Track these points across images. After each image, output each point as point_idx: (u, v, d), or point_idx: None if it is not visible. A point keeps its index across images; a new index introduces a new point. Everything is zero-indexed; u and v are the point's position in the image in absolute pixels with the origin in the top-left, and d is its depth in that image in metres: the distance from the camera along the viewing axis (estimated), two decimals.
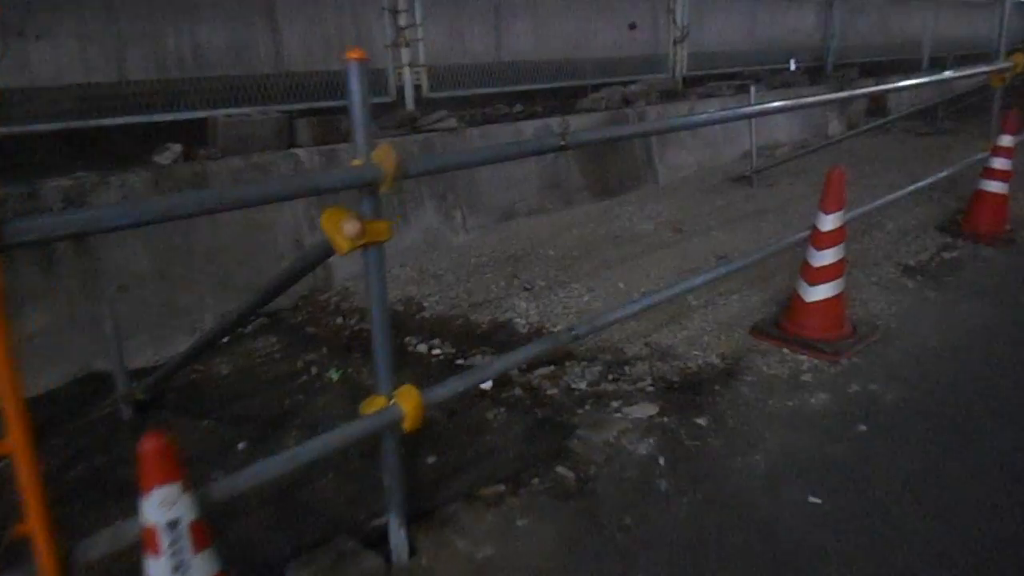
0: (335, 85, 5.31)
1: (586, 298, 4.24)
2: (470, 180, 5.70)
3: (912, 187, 4.58)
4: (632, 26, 7.34)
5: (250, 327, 4.09)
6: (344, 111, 2.04)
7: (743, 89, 8.33)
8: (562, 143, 2.31)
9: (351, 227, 1.87)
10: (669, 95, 7.61)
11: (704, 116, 3.45)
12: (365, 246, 1.93)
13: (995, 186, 4.92)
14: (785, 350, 3.49)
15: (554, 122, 6.33)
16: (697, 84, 8.35)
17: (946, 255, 4.72)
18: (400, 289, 4.61)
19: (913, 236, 5.06)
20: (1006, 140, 4.88)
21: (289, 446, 2.40)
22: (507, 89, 6.51)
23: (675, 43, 7.83)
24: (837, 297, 3.49)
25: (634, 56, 7.66)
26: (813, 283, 3.47)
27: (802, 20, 10.12)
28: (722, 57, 8.88)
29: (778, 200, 6.17)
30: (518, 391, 3.21)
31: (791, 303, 3.62)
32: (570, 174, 6.41)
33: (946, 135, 8.96)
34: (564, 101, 7.11)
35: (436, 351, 3.79)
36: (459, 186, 5.64)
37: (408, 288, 4.62)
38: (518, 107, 6.24)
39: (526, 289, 4.47)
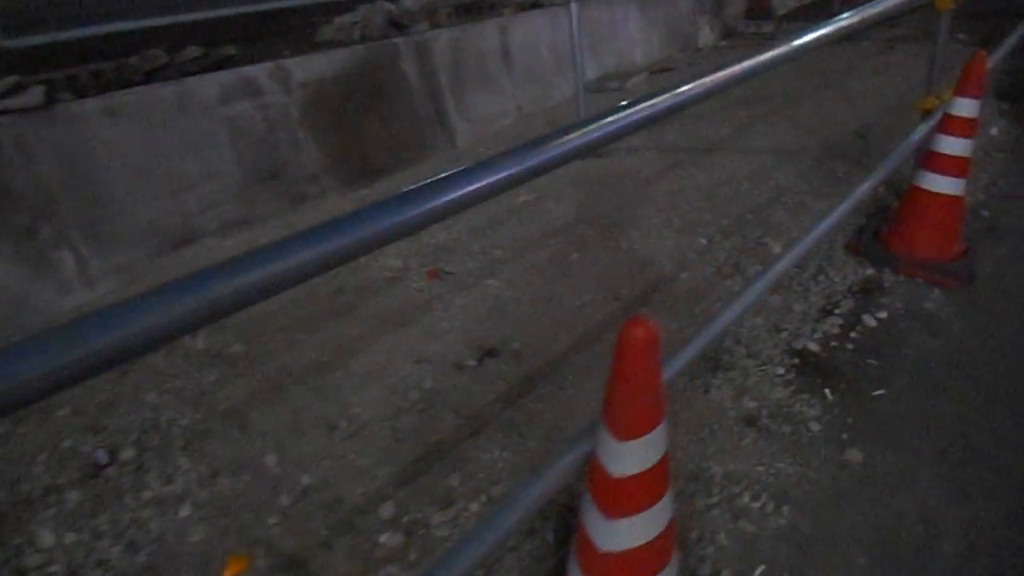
0: None
1: (184, 512, 2.06)
2: (91, 187, 3.32)
3: (821, 227, 2.49)
4: None
5: None
6: None
7: None
8: None
9: None
10: (469, 10, 5.21)
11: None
12: None
13: (942, 184, 2.94)
14: None
15: (261, 71, 3.91)
16: None
17: (869, 318, 2.74)
18: None
19: (812, 270, 3.05)
20: (964, 107, 2.86)
21: None
22: (175, 19, 3.97)
23: None
24: None
25: None
26: None
27: None
28: None
29: (616, 188, 4.03)
30: None
31: None
32: (300, 151, 4.05)
33: (843, 41, 6.96)
34: (292, 32, 4.63)
35: None
36: (64, 203, 3.24)
37: None
38: (191, 51, 3.76)
39: (93, 472, 2.24)
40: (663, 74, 6.32)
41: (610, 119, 1.29)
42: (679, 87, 1.42)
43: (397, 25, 4.68)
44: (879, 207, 3.49)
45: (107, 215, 3.38)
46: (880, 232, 3.18)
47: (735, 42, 7.38)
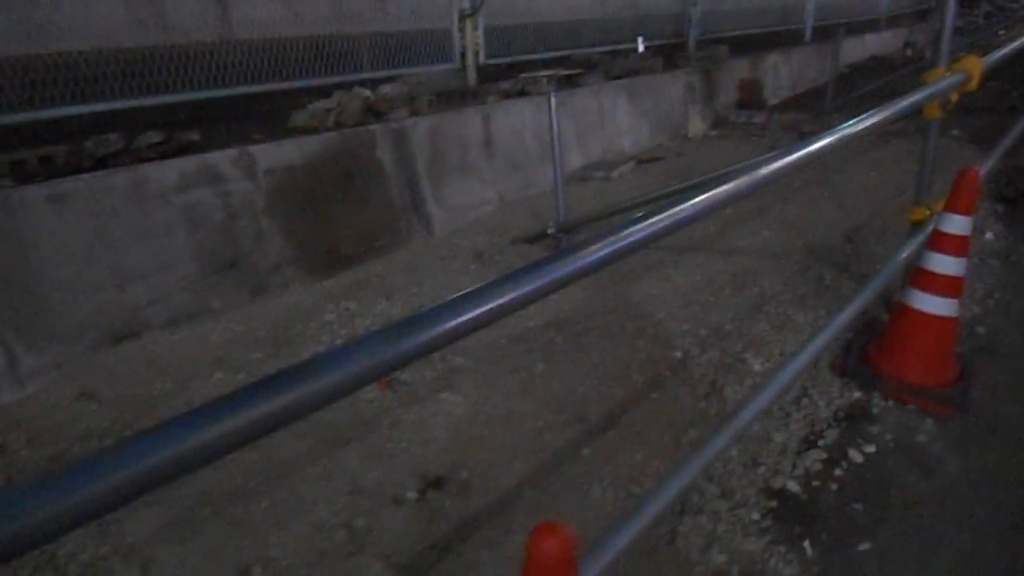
0: None
1: None
2: (28, 278, 3.13)
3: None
4: None
5: None
6: None
7: (573, 81, 5.96)
8: None
9: None
10: (451, 97, 5.12)
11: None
12: None
13: (934, 304, 2.73)
14: None
15: (224, 158, 3.76)
16: (506, 75, 5.90)
17: (855, 452, 2.49)
18: None
19: (795, 393, 2.81)
20: (956, 223, 2.67)
21: None
22: (138, 103, 3.85)
23: (463, 16, 5.32)
24: None
25: (391, 35, 5.10)
26: None
27: None
28: (543, 34, 6.42)
29: (590, 289, 3.82)
30: None
31: None
32: (263, 240, 3.87)
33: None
34: (263, 117, 4.53)
35: None
36: None
37: None
38: (151, 136, 3.62)
39: None
40: (652, 164, 6.21)
41: (611, 239, 1.24)
42: (680, 204, 1.38)
43: (375, 112, 4.57)
44: (868, 320, 3.28)
45: (44, 308, 3.17)
46: (868, 351, 2.96)
47: (726, 132, 7.33)
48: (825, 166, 5.57)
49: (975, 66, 2.90)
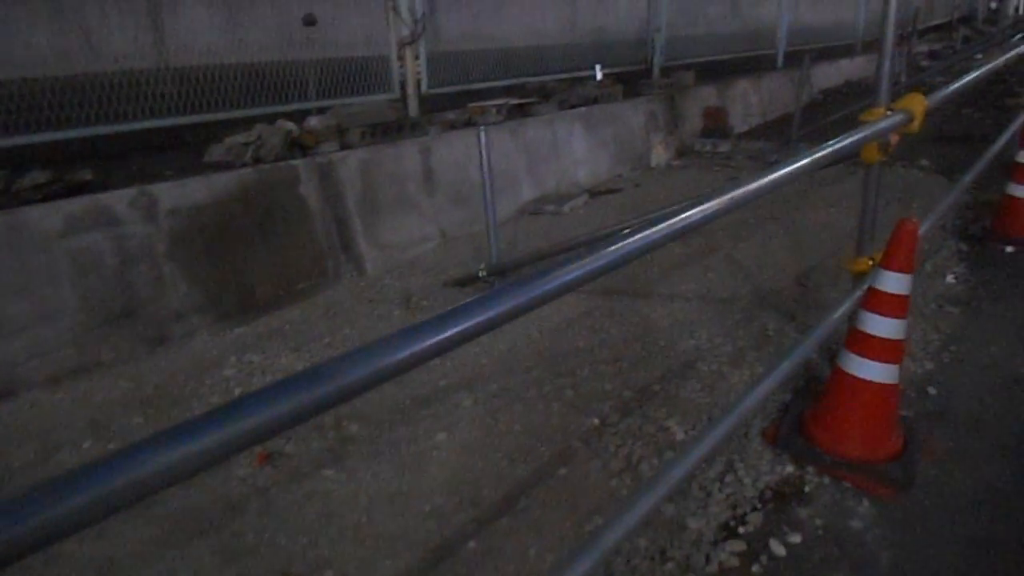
0: None
1: None
2: None
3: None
4: (309, 20, 4.50)
5: None
6: None
7: (525, 110, 5.70)
8: None
9: None
10: (388, 128, 4.85)
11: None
12: None
13: (871, 370, 2.44)
14: None
15: (120, 199, 3.47)
16: (454, 104, 5.64)
17: (776, 544, 2.19)
18: None
19: (719, 467, 2.51)
20: (893, 282, 2.39)
21: None
22: (21, 140, 3.57)
23: (403, 44, 5.07)
24: None
25: (325, 63, 4.84)
26: None
27: (615, 4, 7.53)
28: (501, 60, 6.17)
29: (514, 341, 3.53)
30: None
31: None
32: (164, 286, 3.57)
33: None
34: (172, 153, 4.25)
35: None
36: None
37: None
38: (35, 176, 3.33)
39: None
40: (608, 195, 5.95)
41: (545, 278, 1.18)
42: (624, 238, 1.32)
43: (300, 146, 4.29)
44: (809, 377, 3.00)
45: None
46: (804, 419, 2.67)
47: (690, 161, 7.08)
48: (784, 200, 5.32)
49: (918, 105, 2.64)
